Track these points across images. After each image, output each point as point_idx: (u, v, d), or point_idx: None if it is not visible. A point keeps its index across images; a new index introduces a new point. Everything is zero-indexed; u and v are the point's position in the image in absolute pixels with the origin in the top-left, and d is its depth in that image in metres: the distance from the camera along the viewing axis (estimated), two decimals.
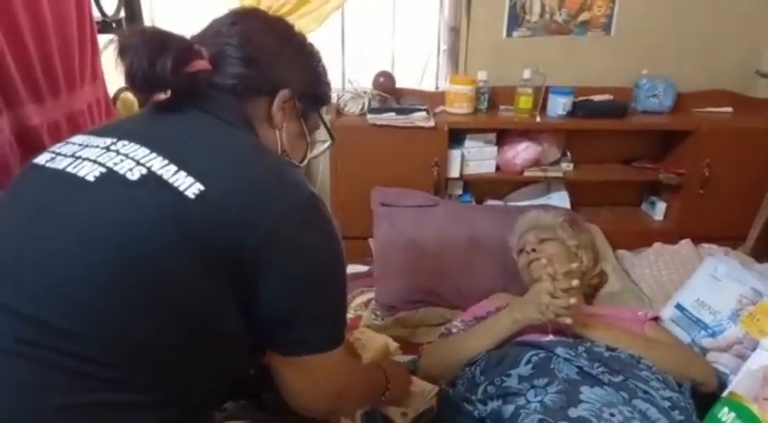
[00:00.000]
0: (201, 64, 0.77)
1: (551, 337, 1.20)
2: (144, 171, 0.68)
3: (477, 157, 2.25)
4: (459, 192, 2.34)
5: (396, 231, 1.91)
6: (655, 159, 2.41)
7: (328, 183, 2.24)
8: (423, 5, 2.39)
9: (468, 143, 2.23)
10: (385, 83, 2.28)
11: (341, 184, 2.18)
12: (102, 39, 1.33)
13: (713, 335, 1.32)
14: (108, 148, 0.73)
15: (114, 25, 1.55)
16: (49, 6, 1.10)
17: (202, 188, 0.67)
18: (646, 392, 1.04)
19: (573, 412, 0.98)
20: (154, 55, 0.71)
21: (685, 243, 1.89)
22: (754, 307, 1.28)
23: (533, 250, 1.49)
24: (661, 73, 2.29)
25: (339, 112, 2.25)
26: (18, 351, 0.62)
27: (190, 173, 0.68)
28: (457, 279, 1.77)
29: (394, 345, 1.24)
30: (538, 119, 2.23)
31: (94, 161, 0.71)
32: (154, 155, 0.70)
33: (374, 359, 1.14)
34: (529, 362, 1.12)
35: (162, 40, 0.74)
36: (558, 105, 2.22)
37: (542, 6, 2.28)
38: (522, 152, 2.23)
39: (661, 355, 1.19)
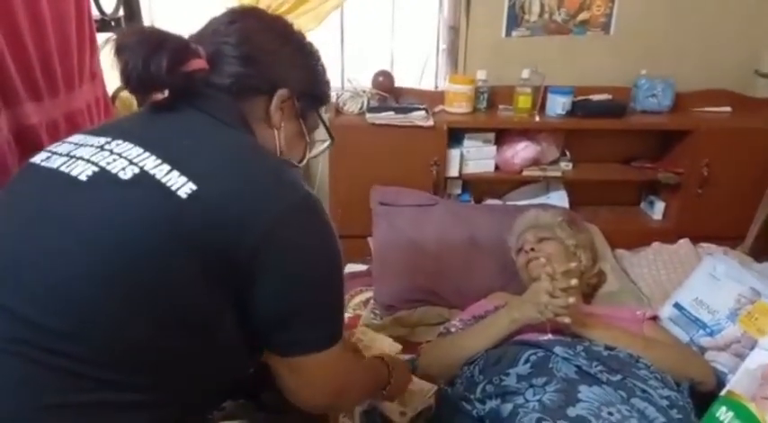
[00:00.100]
0: (198, 63, 0.76)
1: (550, 336, 1.21)
2: (136, 170, 0.68)
3: (476, 157, 2.25)
4: (458, 191, 2.34)
5: (395, 230, 1.91)
6: (654, 159, 2.41)
7: (327, 182, 2.23)
8: (422, 5, 2.39)
9: (467, 142, 2.23)
10: (384, 82, 2.27)
11: (340, 183, 2.17)
12: (101, 37, 1.33)
13: (712, 334, 1.33)
14: (102, 148, 0.72)
15: (113, 24, 1.55)
16: (49, 5, 1.09)
17: (195, 188, 0.66)
18: (644, 391, 1.05)
19: (571, 411, 0.98)
20: (149, 55, 0.71)
21: (684, 242, 1.90)
22: (752, 306, 1.28)
23: (532, 249, 1.49)
24: (660, 73, 2.29)
25: (338, 111, 2.24)
26: (16, 351, 0.62)
27: (183, 172, 0.67)
28: (456, 278, 1.77)
29: (396, 347, 1.24)
30: (537, 118, 2.23)
31: (88, 160, 0.71)
32: (147, 154, 0.70)
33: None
34: (527, 361, 1.12)
35: (159, 40, 0.73)
36: (557, 105, 2.21)
37: (541, 6, 2.28)
38: (521, 151, 2.23)
39: (659, 354, 1.19)
